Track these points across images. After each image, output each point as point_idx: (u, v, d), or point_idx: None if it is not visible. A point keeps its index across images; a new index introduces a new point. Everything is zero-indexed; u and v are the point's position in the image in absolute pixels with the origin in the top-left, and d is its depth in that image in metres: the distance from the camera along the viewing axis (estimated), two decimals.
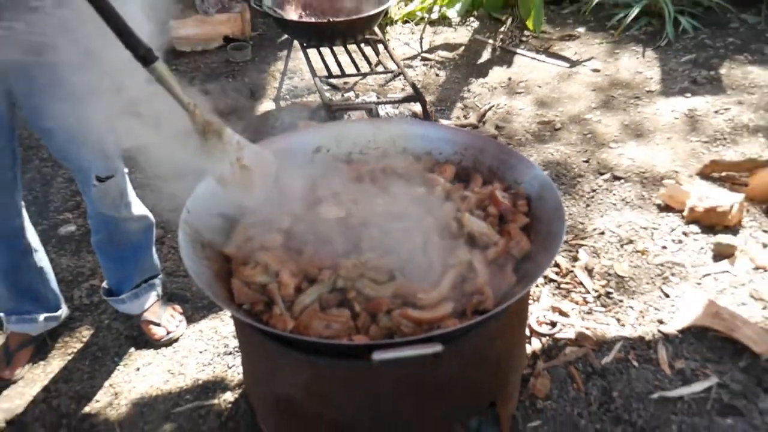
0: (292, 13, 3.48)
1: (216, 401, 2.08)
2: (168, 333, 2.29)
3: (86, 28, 1.78)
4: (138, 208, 2.15)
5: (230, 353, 2.25)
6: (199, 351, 2.27)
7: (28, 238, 2.11)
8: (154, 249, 2.28)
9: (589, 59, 4.14)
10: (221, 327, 2.35)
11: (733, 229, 2.68)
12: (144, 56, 1.39)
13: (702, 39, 4.28)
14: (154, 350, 2.28)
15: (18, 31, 1.65)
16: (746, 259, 2.53)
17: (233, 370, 2.18)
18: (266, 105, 3.76)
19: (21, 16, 1.64)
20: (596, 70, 4.01)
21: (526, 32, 4.45)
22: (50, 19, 1.68)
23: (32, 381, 2.19)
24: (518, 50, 4.28)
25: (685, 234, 2.68)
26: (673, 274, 2.49)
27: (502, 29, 4.53)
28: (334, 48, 3.36)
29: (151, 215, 2.19)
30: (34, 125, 1.88)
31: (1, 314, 2.22)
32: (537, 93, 3.80)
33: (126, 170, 2.06)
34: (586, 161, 3.17)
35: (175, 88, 1.47)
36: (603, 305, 2.37)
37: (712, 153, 3.19)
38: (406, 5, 4.74)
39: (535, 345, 2.21)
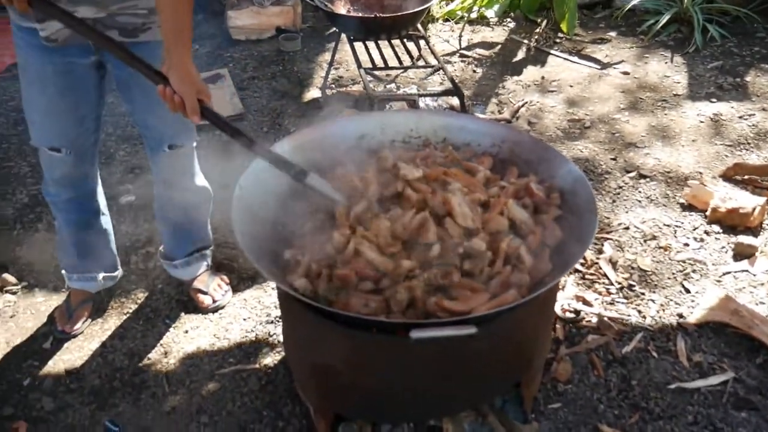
0: (341, 8, 3.41)
1: (257, 365, 2.06)
2: (214, 301, 2.27)
3: None
4: (200, 179, 2.13)
5: (271, 322, 2.22)
6: (243, 318, 2.25)
7: (99, 201, 2.12)
8: (209, 221, 2.26)
9: (619, 62, 4.00)
10: (264, 297, 2.33)
11: (754, 231, 2.57)
12: (297, 176, 1.54)
13: (729, 47, 4.11)
14: (202, 315, 2.26)
15: (116, 16, 1.68)
16: (766, 260, 2.42)
17: (273, 338, 2.16)
18: (313, 93, 3.71)
19: (118, 4, 1.66)
20: (626, 73, 3.87)
21: (559, 34, 4.32)
22: (144, 3, 1.69)
23: (90, 336, 2.19)
24: (552, 51, 4.15)
25: (707, 233, 2.58)
26: (694, 271, 2.39)
27: (537, 30, 4.40)
28: (379, 42, 3.30)
29: (210, 189, 2.17)
30: (122, 93, 1.90)
31: (63, 272, 2.22)
32: (568, 92, 3.68)
33: (195, 143, 2.04)
34: (614, 159, 3.06)
35: (330, 193, 1.58)
36: (625, 297, 2.29)
37: (735, 156, 3.06)
38: (447, 4, 4.64)
39: (558, 331, 2.14)
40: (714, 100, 3.54)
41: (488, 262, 1.48)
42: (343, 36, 3.41)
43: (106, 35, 1.55)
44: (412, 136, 1.93)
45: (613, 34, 4.39)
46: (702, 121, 3.35)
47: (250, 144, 1.53)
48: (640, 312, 2.22)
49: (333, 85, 3.76)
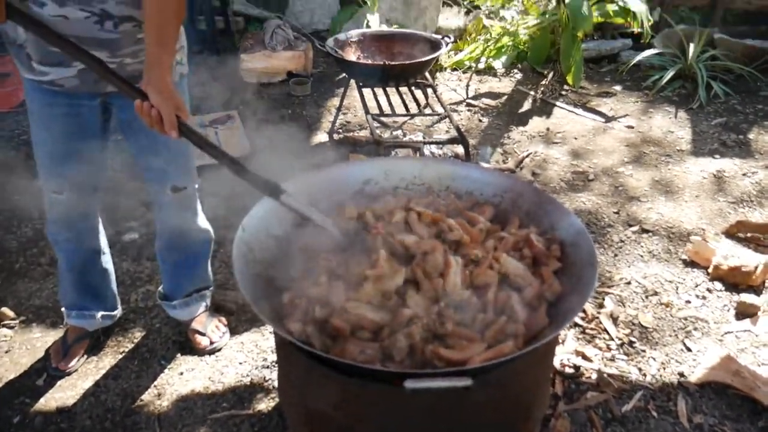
0: (352, 55, 3.50)
1: (250, 411, 2.03)
2: (211, 343, 2.26)
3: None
4: (202, 221, 2.15)
5: (267, 367, 2.20)
6: (239, 362, 2.23)
7: (100, 240, 2.14)
8: (209, 262, 2.27)
9: (623, 116, 4.06)
10: (261, 341, 2.32)
11: (757, 290, 2.56)
12: (271, 193, 1.56)
13: (732, 104, 4.17)
14: (198, 357, 2.24)
15: (126, 63, 1.71)
16: None
17: (269, 383, 2.14)
18: (320, 137, 3.77)
19: (131, 48, 1.70)
20: (630, 127, 3.93)
21: (565, 86, 4.40)
22: None
23: (84, 374, 2.18)
24: (557, 103, 4.22)
25: (709, 290, 2.56)
26: (695, 329, 2.37)
27: (544, 82, 4.49)
28: (387, 89, 3.37)
29: (211, 230, 2.19)
30: (125, 135, 1.93)
31: (63, 308, 2.23)
32: (573, 144, 3.73)
33: (197, 185, 2.07)
34: (617, 212, 3.08)
35: (307, 212, 1.58)
36: (626, 354, 2.26)
37: (738, 213, 3.07)
38: (455, 54, 4.75)
39: (557, 387, 2.11)
40: (717, 156, 3.57)
41: (479, 310, 1.48)
42: (353, 82, 3.49)
43: (81, 47, 1.53)
44: (415, 183, 1.95)
45: (618, 88, 4.47)
46: (705, 177, 3.37)
47: (223, 158, 1.53)
48: (640, 369, 2.20)
49: (340, 130, 3.82)
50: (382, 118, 3.31)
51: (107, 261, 2.19)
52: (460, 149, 3.30)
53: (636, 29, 4.15)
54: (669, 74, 4.32)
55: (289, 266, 1.63)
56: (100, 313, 2.21)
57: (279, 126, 3.82)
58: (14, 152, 3.48)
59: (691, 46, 4.37)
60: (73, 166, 1.87)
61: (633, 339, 2.32)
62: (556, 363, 2.17)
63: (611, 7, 4.10)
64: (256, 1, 5.25)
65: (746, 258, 2.60)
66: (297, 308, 1.51)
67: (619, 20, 4.16)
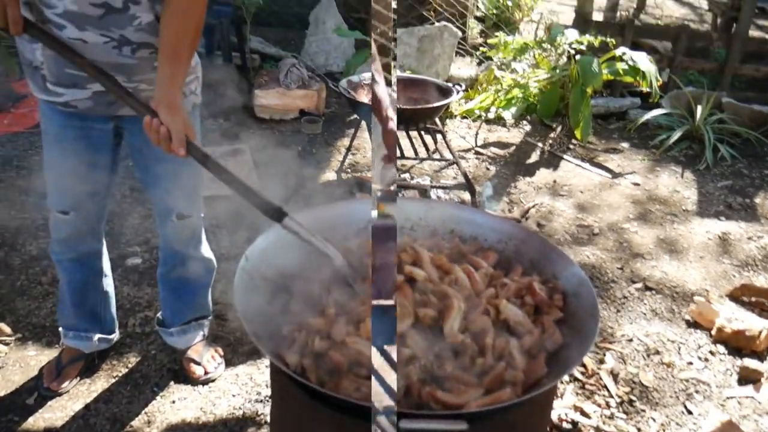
0: (363, 96, 3.56)
1: None
2: (206, 373, 2.25)
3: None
4: (205, 249, 2.16)
5: (261, 401, 2.18)
6: (232, 394, 2.21)
7: (103, 262, 2.15)
8: (210, 291, 2.27)
9: (630, 173, 4.10)
10: (257, 374, 2.30)
11: (760, 355, 2.53)
12: (273, 215, 1.49)
13: (739, 168, 4.22)
14: (191, 386, 2.23)
15: (141, 89, 1.73)
16: None
17: (261, 417, 2.11)
18: (329, 175, 3.81)
19: (147, 75, 1.72)
20: (636, 184, 3.96)
21: (573, 140, 4.46)
22: None
23: (76, 396, 2.16)
24: (565, 156, 4.27)
25: (711, 353, 2.54)
26: (697, 392, 2.35)
27: (552, 135, 4.55)
28: (397, 132, 3.41)
29: (214, 259, 2.20)
30: (135, 160, 1.95)
31: (60, 328, 2.22)
32: (579, 198, 3.76)
33: (202, 214, 2.09)
34: (620, 268, 3.08)
35: (309, 237, 1.51)
36: (625, 412, 2.23)
37: (743, 277, 3.07)
38: (466, 103, 4.83)
39: None
40: (723, 218, 3.59)
41: (477, 354, 1.47)
42: (363, 123, 3.54)
43: (96, 65, 1.55)
44: (420, 225, 1.97)
45: (625, 145, 4.52)
46: (710, 239, 3.38)
47: (227, 177, 1.50)
48: (639, 430, 2.17)
49: (349, 170, 3.86)
50: None
51: (108, 284, 2.19)
52: (466, 196, 3.33)
53: (645, 89, 4.23)
54: (676, 135, 4.38)
55: (290, 298, 1.63)
56: (97, 336, 2.20)
57: (288, 162, 3.87)
58: (26, 171, 3.53)
59: (699, 109, 4.44)
60: (80, 188, 1.89)
61: (633, 398, 2.29)
62: (554, 417, 2.14)
63: (621, 66, 4.18)
64: (273, 40, 5.38)
65: (750, 322, 2.59)
66: (296, 340, 1.50)
67: (629, 79, 4.24)
